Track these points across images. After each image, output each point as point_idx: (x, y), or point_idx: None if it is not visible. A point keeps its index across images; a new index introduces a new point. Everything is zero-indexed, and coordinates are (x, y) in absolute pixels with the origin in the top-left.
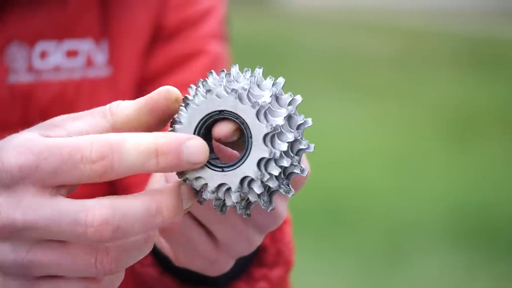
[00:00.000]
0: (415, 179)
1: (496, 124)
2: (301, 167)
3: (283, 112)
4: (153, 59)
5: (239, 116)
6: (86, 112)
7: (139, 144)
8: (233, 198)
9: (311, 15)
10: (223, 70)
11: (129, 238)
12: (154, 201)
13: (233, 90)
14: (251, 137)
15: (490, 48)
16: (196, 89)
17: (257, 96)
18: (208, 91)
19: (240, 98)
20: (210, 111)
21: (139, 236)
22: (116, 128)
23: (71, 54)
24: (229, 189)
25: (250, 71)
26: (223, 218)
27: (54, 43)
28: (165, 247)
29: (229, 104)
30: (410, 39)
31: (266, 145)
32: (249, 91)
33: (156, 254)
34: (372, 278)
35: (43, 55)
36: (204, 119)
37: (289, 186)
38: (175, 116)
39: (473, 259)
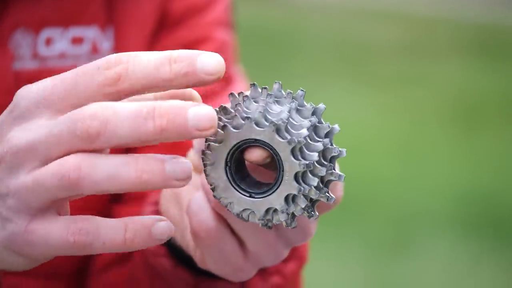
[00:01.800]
0: (421, 167)
1: (503, 112)
2: (338, 174)
3: (319, 146)
4: (158, 46)
5: (274, 148)
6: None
7: (153, 53)
8: (256, 222)
9: (318, 3)
10: (265, 88)
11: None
12: (146, 104)
13: (271, 122)
14: (282, 171)
15: (497, 36)
16: (235, 108)
17: (296, 127)
18: (247, 118)
19: (277, 131)
20: (246, 138)
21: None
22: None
23: (77, 41)
24: (253, 213)
25: (292, 94)
26: (258, 231)
27: (59, 30)
28: (191, 248)
29: (266, 135)
30: (418, 27)
31: (298, 182)
32: (288, 121)
33: (169, 245)
34: (378, 266)
35: (48, 42)
36: (239, 143)
37: (314, 211)
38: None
39: (479, 247)
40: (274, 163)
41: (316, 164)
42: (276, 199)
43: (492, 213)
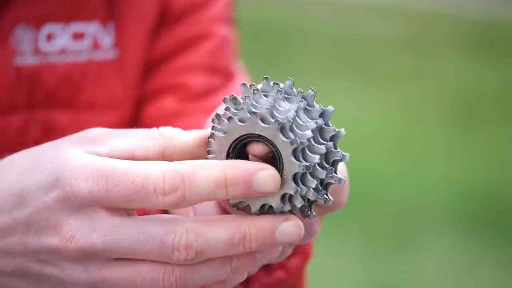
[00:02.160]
0: (422, 162)
1: (501, 107)
2: (338, 177)
3: (322, 149)
4: (159, 42)
5: (276, 146)
6: (128, 130)
7: (209, 175)
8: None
9: None
10: (277, 83)
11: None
12: (238, 231)
13: (276, 120)
14: (282, 169)
15: (496, 32)
16: (244, 100)
17: (302, 127)
18: (254, 113)
19: (282, 129)
20: (250, 132)
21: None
22: (169, 153)
23: (78, 36)
24: (248, 207)
25: (302, 93)
26: None
27: (60, 26)
28: None
29: (269, 133)
30: (417, 23)
31: (296, 183)
32: (294, 121)
33: None
34: (378, 262)
35: (49, 37)
36: (233, 144)
37: (311, 211)
38: (216, 123)
39: (480, 243)
40: (275, 160)
41: (317, 167)
42: (272, 197)
43: (491, 209)
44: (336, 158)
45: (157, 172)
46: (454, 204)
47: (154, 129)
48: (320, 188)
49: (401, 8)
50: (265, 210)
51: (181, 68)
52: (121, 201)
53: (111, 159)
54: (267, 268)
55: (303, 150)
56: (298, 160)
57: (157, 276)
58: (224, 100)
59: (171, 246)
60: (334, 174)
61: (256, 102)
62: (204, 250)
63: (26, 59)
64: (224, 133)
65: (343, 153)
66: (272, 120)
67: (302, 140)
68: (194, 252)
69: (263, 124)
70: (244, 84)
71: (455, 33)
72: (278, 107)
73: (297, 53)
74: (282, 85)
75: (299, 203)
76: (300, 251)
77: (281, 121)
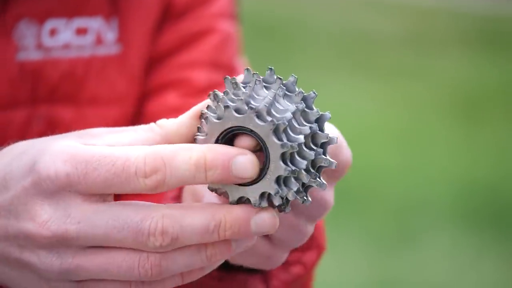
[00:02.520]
0: (423, 158)
1: (503, 103)
2: (321, 181)
3: (306, 129)
4: (162, 37)
5: (257, 134)
6: (128, 127)
7: (189, 158)
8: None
9: None
10: (280, 78)
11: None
12: (213, 219)
13: (272, 120)
14: (268, 168)
15: (498, 28)
16: (244, 88)
17: (280, 111)
18: (251, 108)
19: (275, 130)
20: (228, 126)
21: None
22: (167, 138)
23: (81, 31)
24: (248, 200)
25: (281, 80)
26: None
27: (63, 21)
28: None
29: (262, 131)
30: (419, 18)
31: (278, 185)
32: (289, 123)
33: None
34: (380, 258)
35: (52, 32)
36: (224, 132)
37: (307, 196)
38: (212, 104)
39: (481, 238)
40: (262, 155)
41: (304, 147)
42: (252, 192)
43: (493, 204)
44: (324, 140)
45: (138, 154)
46: (455, 199)
47: (152, 123)
48: (312, 170)
49: (402, 3)
50: (243, 201)
51: (184, 64)
52: (100, 186)
53: (93, 145)
54: (284, 264)
55: (285, 131)
56: (285, 164)
57: (132, 264)
58: (225, 80)
59: (147, 232)
60: (323, 156)
61: (256, 93)
62: (179, 237)
63: (29, 54)
64: (218, 119)
65: (330, 135)
66: (268, 119)
67: (293, 145)
68: (169, 239)
69: (258, 121)
70: (247, 70)
71: (456, 28)
72: (277, 105)
73: (298, 48)
74: (285, 81)
75: (277, 202)
76: (315, 245)
77: (276, 121)
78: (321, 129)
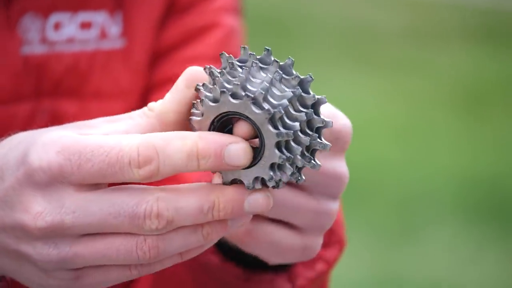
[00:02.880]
0: (425, 152)
1: (507, 96)
2: (314, 163)
3: (302, 116)
4: (167, 31)
5: (252, 120)
6: (123, 115)
7: (182, 146)
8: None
9: None
10: (252, 55)
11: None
12: (207, 200)
13: (248, 96)
14: (262, 154)
15: (502, 22)
16: (216, 77)
17: (277, 97)
18: (223, 92)
19: (254, 103)
20: (224, 111)
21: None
22: (162, 119)
23: (85, 26)
24: (241, 181)
25: (278, 63)
26: (296, 206)
27: (68, 15)
28: (248, 249)
29: (242, 108)
30: (423, 12)
31: (280, 151)
32: (268, 91)
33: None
34: (382, 251)
35: (57, 26)
36: (220, 115)
37: (300, 172)
38: (209, 83)
39: (483, 232)
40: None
41: (299, 134)
42: (245, 175)
43: (494, 198)
44: (319, 125)
45: (131, 144)
46: (456, 194)
47: (144, 108)
48: (306, 153)
49: None
50: (236, 182)
51: (189, 58)
52: (94, 176)
53: (86, 135)
54: (308, 262)
55: (281, 119)
56: (280, 151)
57: (130, 248)
58: (221, 56)
59: (143, 215)
60: (319, 140)
61: (253, 76)
62: (174, 219)
63: (34, 48)
64: (214, 102)
65: (325, 119)
66: (265, 107)
67: (289, 133)
68: (165, 221)
69: (254, 109)
70: (244, 48)
71: (457, 23)
72: (273, 90)
73: (300, 42)
74: (281, 63)
75: (288, 170)
76: (336, 240)
77: (272, 110)
78: (317, 114)
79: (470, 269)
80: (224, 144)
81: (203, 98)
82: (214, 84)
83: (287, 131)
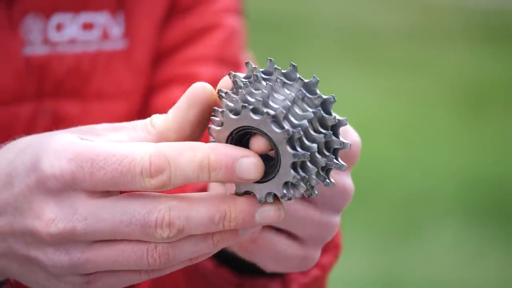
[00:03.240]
0: (427, 152)
1: (508, 96)
2: (328, 182)
3: (321, 137)
4: (169, 32)
5: (270, 138)
6: (127, 124)
7: (193, 157)
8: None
9: None
10: (277, 69)
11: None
12: (218, 210)
13: (268, 114)
14: (281, 159)
15: (504, 22)
16: (240, 88)
17: (298, 117)
18: (244, 106)
19: (274, 122)
20: (244, 125)
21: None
22: (162, 137)
23: (87, 26)
24: (254, 194)
25: (302, 81)
26: (300, 217)
27: (70, 16)
28: (247, 256)
29: (262, 125)
30: (425, 12)
31: (295, 171)
32: (290, 110)
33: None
34: (384, 251)
35: (59, 27)
36: (239, 128)
37: (313, 189)
38: (214, 111)
39: (485, 231)
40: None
41: (316, 155)
42: (276, 186)
43: (496, 197)
44: (337, 146)
45: (143, 154)
46: (458, 192)
47: (148, 119)
48: (321, 173)
49: None
50: (249, 194)
51: (190, 59)
52: (106, 184)
53: (97, 142)
54: None
55: (300, 139)
56: (295, 171)
57: (140, 255)
58: (247, 65)
59: (154, 224)
60: (335, 161)
61: (276, 92)
62: (185, 228)
63: (35, 49)
64: (235, 115)
65: (344, 141)
66: (285, 126)
67: (305, 154)
68: (176, 230)
69: (273, 127)
70: (270, 60)
71: (460, 23)
72: (295, 109)
73: (303, 42)
74: (306, 80)
75: (302, 188)
76: (332, 246)
77: (291, 131)
78: (336, 135)
79: (472, 269)
80: (236, 157)
81: (224, 109)
82: (236, 95)
83: (304, 152)
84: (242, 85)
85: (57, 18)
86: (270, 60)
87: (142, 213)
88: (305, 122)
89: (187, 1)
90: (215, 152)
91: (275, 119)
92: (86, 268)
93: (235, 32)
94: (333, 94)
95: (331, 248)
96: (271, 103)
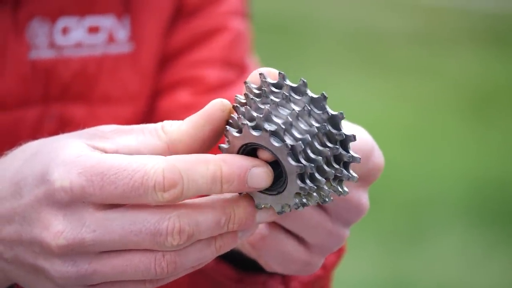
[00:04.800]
0: (433, 155)
1: None
2: (341, 190)
3: (326, 151)
4: (174, 35)
5: (274, 153)
6: (136, 127)
7: (206, 171)
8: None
9: None
10: (286, 84)
11: None
12: (224, 213)
13: (266, 131)
14: (286, 172)
15: (510, 25)
16: (247, 103)
17: (302, 131)
18: (244, 124)
19: (274, 137)
20: (247, 142)
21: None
22: (172, 146)
23: (93, 30)
24: (271, 207)
25: (310, 97)
26: (313, 223)
27: (75, 19)
28: (252, 253)
29: (262, 141)
30: (431, 16)
31: (303, 182)
32: (292, 125)
33: None
34: (391, 254)
35: (64, 31)
36: (245, 145)
37: (328, 197)
38: (227, 128)
39: (492, 235)
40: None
41: (324, 166)
42: (288, 197)
43: (503, 200)
44: (346, 160)
45: (156, 168)
46: (464, 196)
47: (159, 125)
48: (332, 183)
49: (412, 1)
50: (286, 208)
51: (196, 62)
52: (116, 198)
53: (107, 154)
54: None
55: (305, 152)
56: (302, 182)
57: (148, 265)
58: (260, 75)
59: (165, 232)
60: (344, 173)
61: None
62: (194, 234)
63: (42, 53)
64: (238, 133)
65: (354, 155)
66: (286, 140)
67: (309, 166)
68: (186, 236)
69: (273, 142)
70: (280, 74)
71: (466, 26)
72: (300, 124)
73: (308, 46)
74: (315, 96)
75: (314, 198)
76: None
77: (290, 145)
78: (346, 149)
79: (479, 272)
80: (248, 168)
81: (227, 127)
82: (243, 110)
83: (308, 164)
84: (251, 100)
85: (63, 22)
86: (281, 73)
87: (151, 222)
88: (307, 136)
89: (193, 4)
90: (227, 164)
91: (275, 134)
92: (93, 279)
93: (240, 35)
94: (342, 111)
95: None
96: (274, 118)
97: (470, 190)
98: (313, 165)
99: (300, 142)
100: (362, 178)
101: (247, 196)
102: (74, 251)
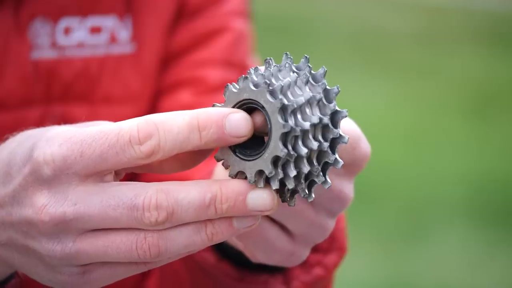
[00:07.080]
0: (435, 155)
1: None
2: (324, 179)
3: (315, 118)
4: (176, 36)
5: (266, 110)
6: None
7: (182, 120)
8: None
9: None
10: (290, 58)
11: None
12: (209, 191)
13: (266, 83)
14: (272, 132)
15: (511, 25)
16: (258, 71)
17: (296, 95)
18: (245, 78)
19: (270, 93)
20: (243, 98)
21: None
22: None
23: (95, 30)
24: (244, 174)
25: (310, 68)
26: (295, 212)
27: (78, 19)
28: (239, 244)
29: (258, 96)
30: (433, 16)
31: (285, 145)
32: (289, 87)
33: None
34: (392, 254)
35: (67, 31)
36: (240, 103)
37: (310, 192)
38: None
39: (493, 234)
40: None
41: (309, 136)
42: (265, 162)
43: (504, 200)
44: (334, 136)
45: (130, 123)
46: (465, 196)
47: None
48: (316, 164)
49: (414, 1)
50: (263, 178)
51: (198, 62)
52: (97, 161)
53: (87, 127)
54: (305, 265)
55: (295, 139)
56: (285, 146)
57: (130, 246)
58: (284, 54)
59: (141, 207)
60: (330, 152)
61: (282, 75)
62: (174, 210)
63: (44, 53)
64: (236, 89)
65: (341, 133)
66: (279, 97)
67: (296, 128)
68: (165, 213)
69: (268, 97)
70: (286, 54)
71: (468, 26)
72: (295, 89)
73: (311, 46)
74: (314, 71)
75: (274, 185)
76: (336, 247)
77: (285, 101)
78: (335, 125)
79: (480, 272)
80: (225, 114)
81: (228, 85)
82: (263, 74)
83: (294, 126)
84: (271, 68)
85: (65, 22)
86: (306, 57)
87: (129, 196)
88: (301, 98)
89: (195, 5)
90: (204, 112)
91: (271, 91)
92: (79, 259)
93: (242, 36)
94: (346, 109)
95: (335, 249)
96: (273, 80)
97: (471, 190)
98: (299, 128)
99: (294, 103)
100: (347, 167)
101: (236, 179)
102: (57, 227)
